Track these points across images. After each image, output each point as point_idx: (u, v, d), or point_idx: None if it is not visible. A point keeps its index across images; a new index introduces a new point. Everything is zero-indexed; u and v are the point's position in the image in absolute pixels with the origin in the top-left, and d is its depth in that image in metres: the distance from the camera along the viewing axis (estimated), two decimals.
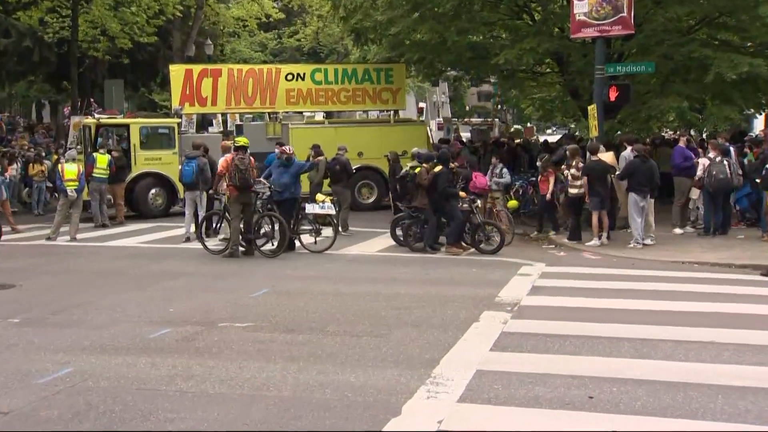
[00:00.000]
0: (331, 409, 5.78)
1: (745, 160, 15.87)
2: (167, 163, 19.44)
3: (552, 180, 15.22)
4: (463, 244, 13.86)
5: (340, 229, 15.88)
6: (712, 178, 14.64)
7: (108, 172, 17.72)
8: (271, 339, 7.88)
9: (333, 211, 14.37)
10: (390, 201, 19.28)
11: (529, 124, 48.17)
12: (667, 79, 17.80)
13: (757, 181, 13.70)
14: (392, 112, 22.93)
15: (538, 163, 16.17)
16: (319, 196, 14.54)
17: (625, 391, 6.11)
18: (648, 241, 14.16)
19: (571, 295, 10.04)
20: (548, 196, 15.35)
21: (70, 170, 15.96)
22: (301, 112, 22.78)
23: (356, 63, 25.19)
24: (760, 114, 26.44)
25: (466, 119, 44.13)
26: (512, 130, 41.92)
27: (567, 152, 15.35)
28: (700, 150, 16.05)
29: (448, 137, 28.19)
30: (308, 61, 37.32)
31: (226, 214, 13.84)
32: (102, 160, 17.67)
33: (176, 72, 21.76)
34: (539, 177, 15.72)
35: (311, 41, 39.85)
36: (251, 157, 13.74)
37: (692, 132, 20.87)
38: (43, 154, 22.78)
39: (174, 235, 16.20)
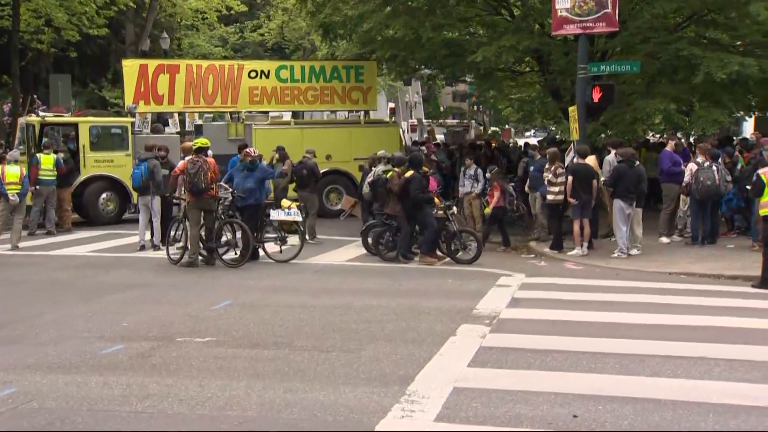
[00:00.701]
0: (301, 430, 5.76)
1: (738, 166, 16.09)
2: (120, 165, 19.26)
3: (497, 194, 15.32)
4: (438, 253, 13.91)
5: (307, 236, 15.89)
6: (699, 185, 14.84)
7: (55, 173, 17.42)
8: (234, 355, 7.83)
9: (299, 218, 14.36)
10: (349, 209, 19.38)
11: (506, 126, 48.50)
12: (653, 79, 18.00)
13: (748, 188, 13.89)
14: (362, 113, 23.01)
15: (488, 174, 16.26)
16: (285, 202, 14.52)
17: (611, 409, 6.16)
18: (634, 251, 14.32)
19: (553, 307, 10.11)
20: (489, 209, 15.48)
21: (12, 173, 15.68)
22: (265, 112, 22.80)
23: (324, 60, 25.23)
24: (750, 117, 26.92)
25: (440, 120, 44.27)
26: (489, 132, 42.24)
27: (547, 155, 15.57)
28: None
29: (423, 140, 28.35)
30: (272, 57, 37.23)
31: (185, 221, 13.73)
32: (47, 161, 17.33)
33: (130, 67, 21.57)
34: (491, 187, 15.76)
35: (276, 36, 39.70)
36: (212, 160, 13.65)
37: (679, 135, 21.09)
38: None
39: (127, 244, 16.09)
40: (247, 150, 14.67)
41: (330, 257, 14.62)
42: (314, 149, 17.12)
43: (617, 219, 14.29)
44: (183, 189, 13.71)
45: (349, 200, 20.08)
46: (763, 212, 11.76)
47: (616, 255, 14.11)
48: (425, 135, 32.54)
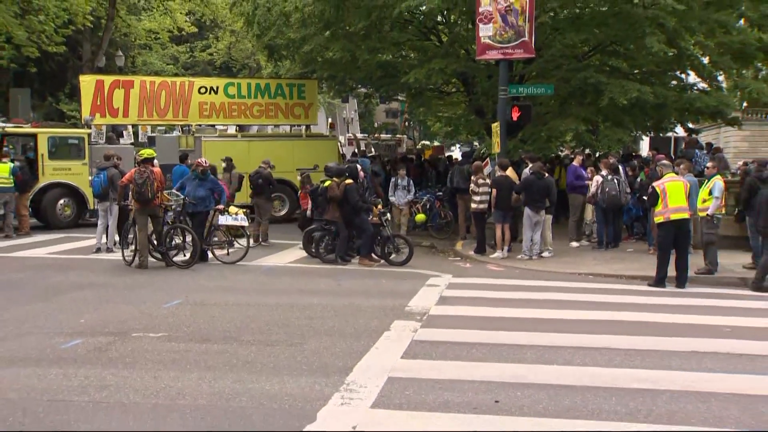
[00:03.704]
0: (248, 417, 5.72)
1: (638, 180, 16.55)
2: (77, 173, 18.92)
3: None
4: (375, 256, 13.96)
5: (260, 240, 15.81)
6: (605, 195, 15.27)
7: (12, 180, 16.93)
8: (186, 348, 7.73)
9: (246, 223, 14.25)
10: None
11: (436, 142, 48.87)
12: (565, 101, 18.40)
13: (644, 198, 14.35)
14: (304, 127, 22.94)
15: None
16: (233, 209, 14.37)
17: (528, 395, 6.29)
18: (545, 254, 14.62)
19: (477, 304, 10.24)
20: (308, 213, 15.56)
21: None
22: (213, 126, 22.51)
23: (269, 78, 25.02)
24: (646, 136, 27.77)
25: (375, 135, 44.40)
26: (419, 146, 42.49)
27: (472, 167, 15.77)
28: (591, 169, 16.60)
29: (362, 152, 28.40)
30: (220, 75, 36.78)
31: (135, 227, 13.46)
32: (4, 169, 16.86)
33: (87, 82, 21.20)
34: (299, 192, 15.80)
35: (224, 56, 39.29)
36: (158, 169, 13.43)
37: (587, 152, 21.61)
38: None
39: (83, 246, 15.67)
40: (199, 160, 14.46)
41: (274, 259, 14.52)
42: (269, 160, 16.99)
43: (525, 225, 14.55)
44: (131, 197, 13.44)
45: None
46: (657, 220, 12.09)
47: (520, 257, 14.40)
48: (361, 149, 32.57)
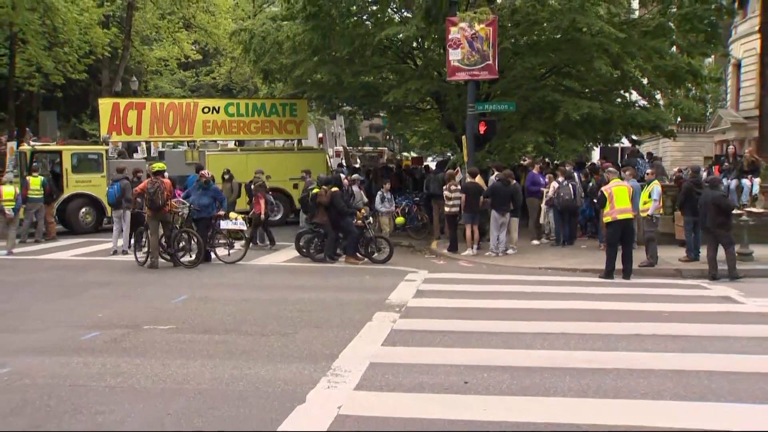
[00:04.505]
0: (245, 399, 5.72)
1: (589, 185, 16.66)
2: (96, 185, 19.02)
3: (263, 202, 15.49)
4: (359, 255, 13.95)
5: (258, 241, 15.74)
6: (560, 198, 15.37)
7: (42, 192, 17.03)
8: (191, 339, 7.70)
9: (244, 227, 14.20)
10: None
11: (413, 153, 48.89)
12: (525, 116, 18.45)
13: (595, 201, 14.46)
14: (296, 141, 22.87)
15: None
16: (232, 214, 14.32)
17: (494, 376, 6.32)
18: (510, 251, 14.66)
19: (450, 297, 10.25)
20: (262, 216, 15.54)
21: (7, 191, 15.50)
22: (215, 141, 22.47)
23: (264, 98, 24.91)
24: (597, 146, 27.98)
25: (359, 147, 44.35)
26: (399, 157, 42.50)
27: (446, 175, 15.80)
28: (550, 176, 16.68)
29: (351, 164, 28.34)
30: (222, 96, 36.67)
31: (147, 230, 13.39)
32: (35, 182, 17.02)
33: (105, 105, 21.27)
34: (253, 197, 15.78)
35: (225, 79, 39.16)
36: (168, 180, 13.38)
37: (546, 160, 21.72)
38: None
39: (102, 249, 15.63)
40: (202, 172, 14.42)
41: (269, 259, 14.46)
42: (262, 169, 16.94)
43: (492, 226, 14.60)
44: (144, 205, 13.39)
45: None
46: (606, 220, 12.20)
47: (487, 254, 14.43)
48: (345, 160, 32.51)
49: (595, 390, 5.97)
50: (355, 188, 15.91)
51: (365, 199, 16.34)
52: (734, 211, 12.74)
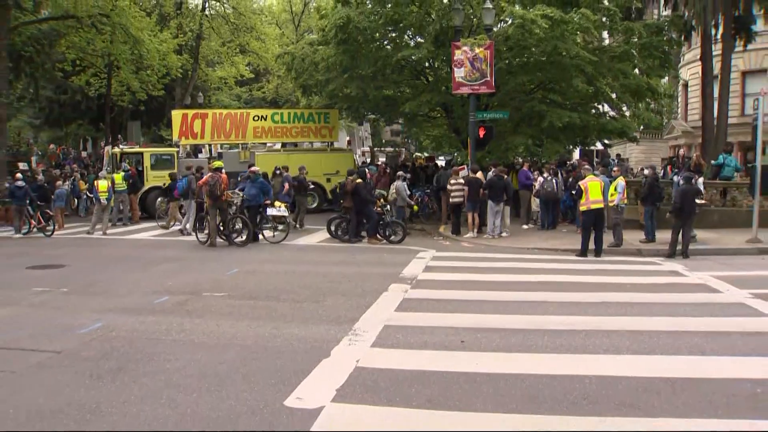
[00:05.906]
0: (281, 353, 5.75)
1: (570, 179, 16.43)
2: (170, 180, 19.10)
3: (237, 197, 15.05)
4: (378, 236, 13.92)
5: (297, 225, 15.75)
6: (544, 191, 15.21)
7: (125, 185, 17.43)
8: (239, 304, 7.75)
9: (287, 213, 14.20)
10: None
11: (426, 153, 48.55)
12: (518, 123, 18.22)
13: (573, 193, 14.26)
14: (329, 144, 22.84)
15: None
16: (277, 203, 14.35)
17: (485, 336, 6.28)
18: (504, 234, 14.53)
19: (454, 272, 10.20)
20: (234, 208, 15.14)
21: (102, 185, 16.05)
22: (264, 143, 22.54)
23: (303, 108, 24.87)
24: (576, 148, 27.55)
25: (382, 149, 44.13)
26: (414, 156, 42.23)
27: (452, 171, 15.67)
28: (537, 172, 16.48)
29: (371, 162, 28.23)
30: (270, 107, 36.75)
31: (208, 216, 13.49)
32: (118, 177, 17.36)
33: (176, 115, 21.74)
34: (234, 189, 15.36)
35: (272, 93, 39.42)
36: (224, 175, 13.45)
37: (535, 159, 21.45)
38: (85, 174, 22.38)
39: (173, 231, 15.86)
40: (252, 168, 14.46)
41: (306, 240, 14.48)
42: (304, 166, 16.95)
43: (489, 213, 14.48)
44: (205, 195, 13.48)
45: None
46: (582, 209, 12.08)
47: (486, 236, 14.32)
48: (369, 158, 32.34)
49: (567, 347, 5.92)
50: (399, 183, 15.47)
51: (407, 192, 15.62)
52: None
